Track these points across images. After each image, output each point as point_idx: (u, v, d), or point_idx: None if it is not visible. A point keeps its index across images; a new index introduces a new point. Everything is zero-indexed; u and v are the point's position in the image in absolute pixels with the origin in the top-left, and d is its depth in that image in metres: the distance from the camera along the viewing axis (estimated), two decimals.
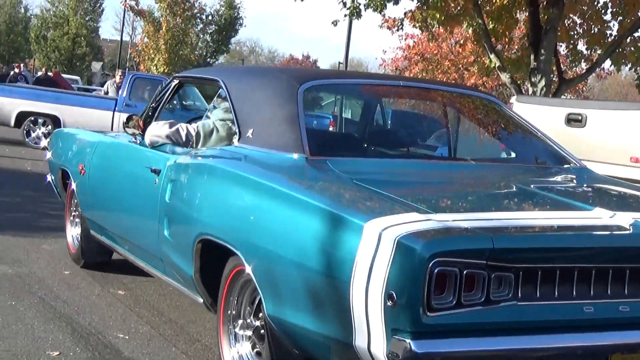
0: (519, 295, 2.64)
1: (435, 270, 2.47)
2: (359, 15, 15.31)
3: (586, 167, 4.24)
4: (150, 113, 4.95)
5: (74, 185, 5.62)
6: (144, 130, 4.67)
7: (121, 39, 43.52)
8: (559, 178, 3.93)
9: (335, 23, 15.64)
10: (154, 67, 26.59)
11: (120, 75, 23.03)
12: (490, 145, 4.72)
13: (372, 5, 15.01)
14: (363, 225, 2.66)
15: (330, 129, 10.47)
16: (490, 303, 2.59)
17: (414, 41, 28.94)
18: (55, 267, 5.70)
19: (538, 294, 2.67)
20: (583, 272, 2.73)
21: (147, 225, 4.25)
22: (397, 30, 18.29)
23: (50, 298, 4.92)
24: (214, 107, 4.61)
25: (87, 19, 54.58)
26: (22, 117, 14.22)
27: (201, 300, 3.91)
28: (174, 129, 4.44)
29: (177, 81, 4.96)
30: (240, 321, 3.57)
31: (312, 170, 3.45)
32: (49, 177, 6.43)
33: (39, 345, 4.05)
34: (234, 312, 3.60)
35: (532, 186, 3.59)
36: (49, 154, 6.30)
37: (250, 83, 4.22)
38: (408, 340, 2.49)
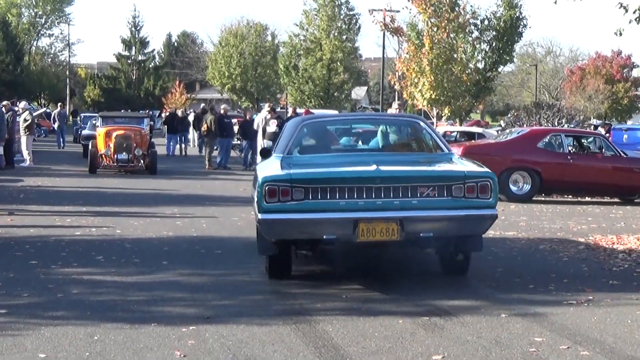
0: (310, 197, 8.62)
1: (267, 188, 8.64)
2: None
3: (451, 152, 10.15)
4: (273, 144, 12.18)
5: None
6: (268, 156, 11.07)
7: (383, 63, 45.11)
8: (405, 158, 10.24)
9: (619, 33, 15.17)
10: (419, 94, 27.33)
11: (397, 108, 23.65)
12: (395, 143, 11.38)
13: None
14: (260, 177, 8.91)
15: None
16: (295, 200, 8.60)
17: None
18: None
19: (319, 197, 8.64)
20: (344, 188, 8.67)
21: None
22: None
23: None
24: None
25: (343, 38, 56.46)
26: None
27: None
28: None
29: (285, 124, 12.05)
30: None
31: (281, 161, 9.59)
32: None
33: None
34: None
35: (372, 159, 9.17)
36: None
37: (289, 123, 11.22)
38: (260, 214, 8.71)
